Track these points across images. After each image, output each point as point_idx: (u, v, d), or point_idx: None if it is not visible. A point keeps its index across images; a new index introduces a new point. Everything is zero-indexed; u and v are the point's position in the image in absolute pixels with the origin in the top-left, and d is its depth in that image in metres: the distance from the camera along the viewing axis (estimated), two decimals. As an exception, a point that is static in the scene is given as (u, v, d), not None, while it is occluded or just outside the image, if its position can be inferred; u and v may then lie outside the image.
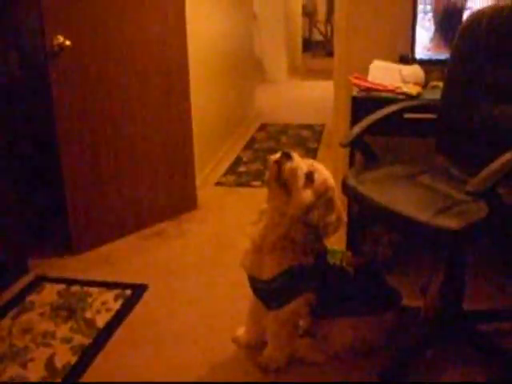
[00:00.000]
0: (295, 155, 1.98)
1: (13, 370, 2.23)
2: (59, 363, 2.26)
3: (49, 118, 2.91)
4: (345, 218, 2.17)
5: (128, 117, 3.23)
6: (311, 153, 4.82)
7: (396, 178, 2.20)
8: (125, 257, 3.13)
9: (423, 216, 1.85)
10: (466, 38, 2.28)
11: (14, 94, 3.14)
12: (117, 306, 2.65)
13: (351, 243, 2.87)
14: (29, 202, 3.29)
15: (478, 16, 2.26)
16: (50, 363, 2.27)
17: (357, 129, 2.29)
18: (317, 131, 5.61)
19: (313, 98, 7.07)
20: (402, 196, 2.03)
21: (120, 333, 2.46)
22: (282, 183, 1.97)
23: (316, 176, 1.98)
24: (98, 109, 3.07)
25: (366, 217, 2.80)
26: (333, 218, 2.00)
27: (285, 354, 2.19)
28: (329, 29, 9.98)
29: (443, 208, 1.89)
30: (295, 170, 1.95)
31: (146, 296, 2.74)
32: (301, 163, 1.98)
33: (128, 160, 3.29)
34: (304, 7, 9.76)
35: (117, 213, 3.31)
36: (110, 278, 2.89)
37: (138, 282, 2.85)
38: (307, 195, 1.96)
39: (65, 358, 2.30)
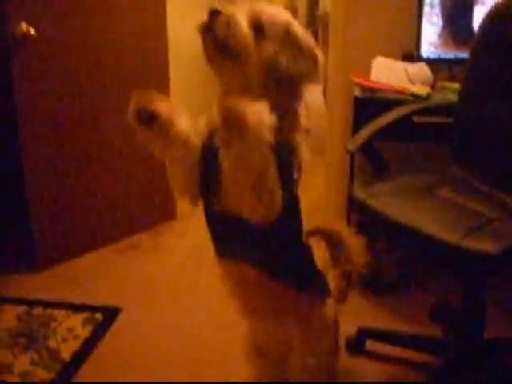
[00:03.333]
0: (226, 7, 1.39)
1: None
2: (15, 404, 1.94)
3: (10, 117, 2.58)
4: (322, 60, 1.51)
5: (99, 117, 2.90)
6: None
7: (412, 191, 1.90)
8: (95, 274, 2.79)
9: (452, 237, 1.55)
10: (492, 29, 1.99)
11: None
12: (85, 332, 2.31)
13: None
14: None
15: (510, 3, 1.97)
16: (3, 405, 1.94)
17: (366, 132, 1.99)
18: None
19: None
20: (423, 212, 1.73)
21: (88, 366, 2.12)
22: (224, 50, 1.40)
23: (264, 19, 1.42)
24: (66, 107, 2.75)
25: (367, 232, 2.49)
26: (305, 62, 1.46)
27: None
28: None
29: (474, 227, 1.60)
30: (232, 22, 1.37)
31: (119, 321, 2.41)
32: (237, 13, 1.40)
33: (101, 166, 2.96)
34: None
35: (87, 224, 2.97)
36: (77, 300, 2.55)
37: (110, 304, 2.52)
38: (265, 49, 1.41)
39: (22, 397, 1.97)
